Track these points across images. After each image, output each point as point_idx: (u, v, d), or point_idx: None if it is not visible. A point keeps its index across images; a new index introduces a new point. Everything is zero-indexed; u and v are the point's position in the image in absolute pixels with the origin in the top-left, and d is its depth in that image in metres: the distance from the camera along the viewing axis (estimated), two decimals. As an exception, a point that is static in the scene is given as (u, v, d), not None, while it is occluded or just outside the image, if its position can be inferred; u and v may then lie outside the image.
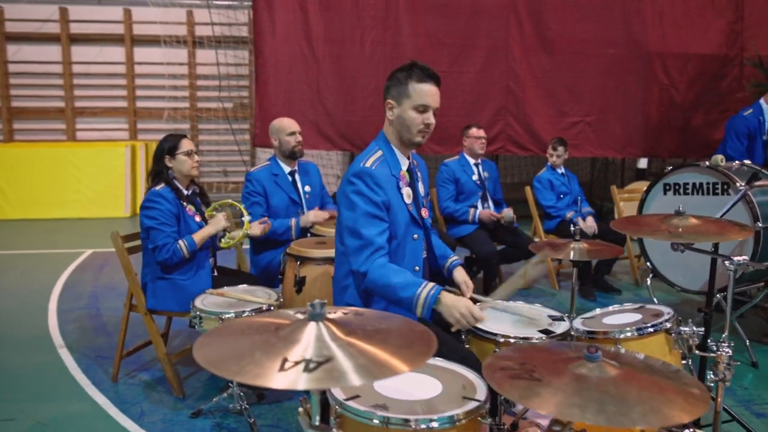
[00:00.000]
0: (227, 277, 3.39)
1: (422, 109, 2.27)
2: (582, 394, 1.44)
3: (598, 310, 2.35)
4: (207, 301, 2.89)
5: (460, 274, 2.51)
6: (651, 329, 2.04)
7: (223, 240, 3.32)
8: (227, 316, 2.72)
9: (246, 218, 3.34)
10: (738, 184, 3.29)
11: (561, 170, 5.45)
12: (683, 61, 7.26)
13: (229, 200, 3.45)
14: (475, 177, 5.03)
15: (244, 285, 3.11)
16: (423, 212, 2.44)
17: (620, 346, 2.03)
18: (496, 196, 5.17)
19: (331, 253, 3.15)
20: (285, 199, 3.82)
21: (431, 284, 2.14)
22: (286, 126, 3.87)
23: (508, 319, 2.37)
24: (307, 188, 3.96)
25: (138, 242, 3.28)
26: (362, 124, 7.02)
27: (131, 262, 3.19)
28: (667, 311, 2.17)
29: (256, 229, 3.43)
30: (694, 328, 2.07)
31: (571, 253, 2.60)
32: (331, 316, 1.33)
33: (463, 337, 2.31)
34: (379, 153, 2.32)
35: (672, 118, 7.38)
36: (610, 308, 2.35)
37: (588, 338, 2.15)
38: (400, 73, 2.29)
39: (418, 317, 2.22)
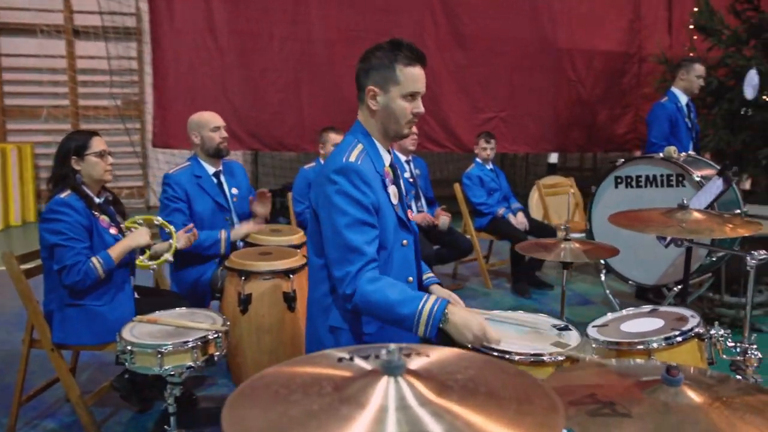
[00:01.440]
0: (152, 299, 2.86)
1: (412, 96, 1.94)
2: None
3: (609, 315, 2.12)
4: (137, 331, 2.37)
5: (440, 292, 2.19)
6: (681, 337, 1.83)
7: (142, 258, 2.77)
8: (166, 348, 2.22)
9: (173, 242, 2.82)
10: (694, 175, 3.23)
11: (489, 166, 5.30)
12: (589, 58, 7.43)
13: (157, 218, 2.90)
14: (407, 175, 4.75)
15: (180, 308, 2.61)
16: (409, 214, 2.10)
17: (654, 358, 1.80)
18: (428, 194, 4.93)
19: (279, 265, 2.74)
20: (210, 204, 3.32)
21: (434, 297, 1.81)
22: (209, 120, 3.37)
23: (513, 330, 2.09)
24: (234, 190, 3.48)
25: (38, 262, 2.68)
26: (273, 121, 6.55)
27: (30, 288, 2.59)
28: (690, 314, 1.98)
29: (182, 239, 2.92)
30: (722, 332, 1.89)
31: (562, 254, 2.37)
32: (411, 365, 0.96)
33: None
34: (360, 147, 1.94)
35: (579, 114, 7.54)
36: (624, 312, 2.13)
37: (611, 349, 1.90)
38: (382, 54, 1.93)
39: (420, 338, 1.88)
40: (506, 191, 5.33)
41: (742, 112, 5.53)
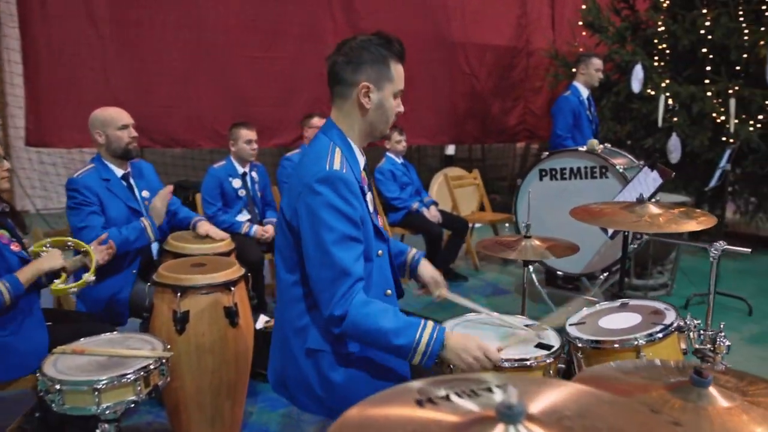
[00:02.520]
0: (67, 325, 2.49)
1: (398, 95, 1.84)
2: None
3: (585, 311, 2.11)
4: (62, 365, 2.04)
5: (426, 270, 2.11)
6: (664, 332, 1.85)
7: (57, 282, 2.39)
8: (103, 383, 1.93)
9: (91, 259, 2.47)
10: (617, 167, 3.36)
11: (400, 160, 5.25)
12: (482, 51, 7.59)
13: (69, 239, 2.52)
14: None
15: (108, 334, 2.28)
16: (380, 220, 1.95)
17: (644, 354, 1.80)
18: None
19: (218, 278, 2.49)
20: (123, 209, 2.97)
21: (430, 324, 1.67)
22: (116, 117, 3.01)
23: (492, 334, 2.02)
24: (145, 193, 3.14)
25: None
26: (163, 116, 6.05)
27: None
28: (663, 307, 2.02)
29: (100, 252, 2.57)
30: (696, 322, 1.93)
31: (524, 252, 2.34)
32: (532, 409, 0.83)
33: (451, 366, 1.89)
34: (339, 151, 1.76)
35: (474, 106, 7.70)
36: (597, 308, 2.13)
37: (593, 348, 1.89)
38: (375, 49, 1.77)
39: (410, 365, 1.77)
40: (418, 185, 5.32)
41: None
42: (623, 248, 2.75)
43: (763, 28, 5.17)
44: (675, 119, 5.56)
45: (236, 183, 4.14)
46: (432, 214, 5.02)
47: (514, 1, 7.80)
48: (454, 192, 5.70)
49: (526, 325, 2.09)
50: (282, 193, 4.28)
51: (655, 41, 5.77)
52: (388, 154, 5.24)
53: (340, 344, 1.75)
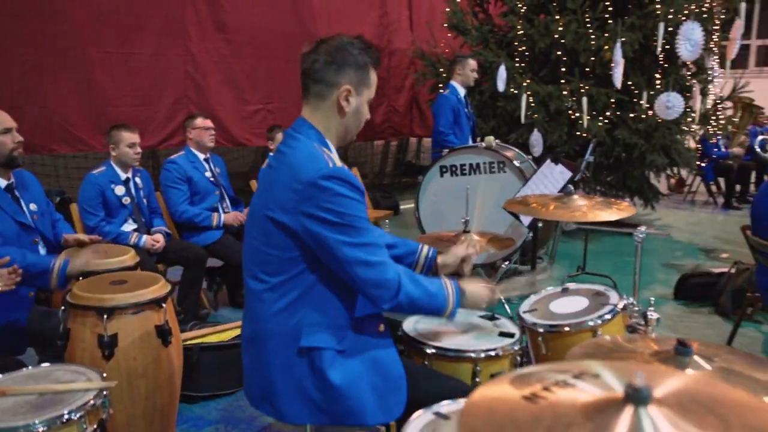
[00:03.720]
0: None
1: (370, 102, 1.83)
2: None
3: (533, 298, 2.23)
4: (-16, 411, 1.75)
5: (448, 256, 2.12)
6: (612, 313, 2.02)
7: None
8: (42, 427, 1.68)
9: None
10: (515, 162, 3.57)
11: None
12: (347, 50, 7.66)
13: None
14: (208, 174, 4.34)
15: (27, 369, 1.99)
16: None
17: (600, 333, 1.95)
18: (229, 194, 4.58)
19: (147, 294, 2.28)
20: (11, 225, 2.62)
21: (447, 280, 1.82)
22: (-7, 120, 2.63)
23: (453, 326, 2.07)
24: (33, 206, 2.79)
25: None
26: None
27: None
28: (603, 288, 2.19)
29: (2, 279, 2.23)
30: (631, 300, 2.13)
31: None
32: (659, 394, 0.87)
33: (426, 362, 1.92)
34: (328, 152, 1.73)
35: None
36: (543, 294, 2.26)
37: (551, 332, 2.01)
38: (358, 53, 1.74)
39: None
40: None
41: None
42: (533, 238, 2.94)
43: (606, 35, 5.76)
44: (535, 116, 6.03)
45: (119, 190, 3.79)
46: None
47: (375, 2, 7.97)
48: None
49: (480, 316, 2.17)
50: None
51: (515, 44, 6.20)
52: (271, 155, 5.10)
53: (337, 339, 1.70)
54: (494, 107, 6.37)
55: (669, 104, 5.57)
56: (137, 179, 3.94)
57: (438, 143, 4.99)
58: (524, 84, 6.00)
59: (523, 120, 5.99)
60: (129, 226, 3.82)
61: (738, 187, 8.75)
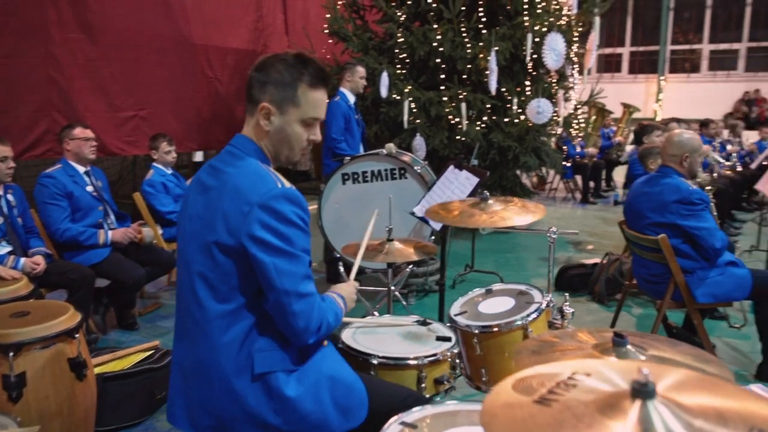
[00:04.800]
0: None
1: (311, 122, 1.74)
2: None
3: (460, 300, 2.31)
4: None
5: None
6: (539, 312, 2.16)
7: None
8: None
9: None
10: (416, 168, 3.68)
11: (170, 170, 4.91)
12: (223, 54, 7.43)
13: None
14: (89, 188, 4.04)
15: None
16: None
17: (531, 330, 2.08)
18: (114, 209, 4.28)
19: (57, 326, 2.10)
20: None
21: (333, 295, 1.86)
22: None
23: (395, 335, 2.11)
24: None
25: None
26: None
27: None
28: (525, 287, 2.33)
29: None
30: (549, 297, 2.29)
31: (391, 255, 2.46)
32: (662, 389, 0.95)
33: (372, 372, 1.94)
34: (273, 170, 1.69)
35: (219, 110, 7.51)
36: (470, 296, 2.35)
37: (485, 332, 2.11)
38: (285, 69, 1.68)
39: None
40: (192, 196, 5.02)
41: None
42: (442, 242, 3.05)
43: (481, 44, 6.09)
44: (417, 121, 6.23)
45: (-10, 209, 3.42)
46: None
47: (251, 5, 7.80)
48: None
49: (415, 322, 2.23)
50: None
51: (396, 51, 6.36)
52: (155, 165, 4.84)
53: (288, 360, 1.67)
54: (377, 113, 6.49)
55: (539, 109, 6.01)
56: (9, 196, 3.58)
57: (329, 150, 5.01)
58: (406, 90, 6.18)
59: (405, 125, 6.17)
60: (3, 249, 3.46)
61: (592, 184, 9.60)
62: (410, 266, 3.84)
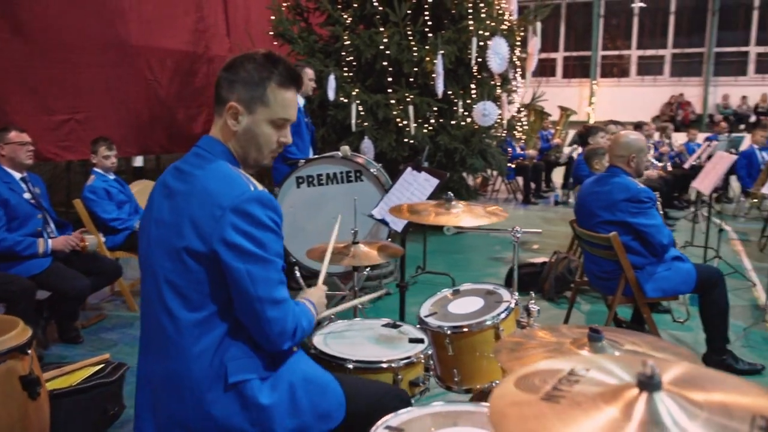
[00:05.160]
0: None
1: (281, 123, 1.69)
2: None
3: (429, 301, 2.31)
4: None
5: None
6: (508, 310, 2.18)
7: None
8: None
9: None
10: (372, 170, 3.66)
11: (112, 176, 4.71)
12: (162, 56, 7.22)
13: None
14: (27, 195, 3.82)
15: None
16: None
17: (503, 329, 2.09)
18: (53, 216, 4.07)
19: (7, 342, 1.96)
20: None
21: (304, 301, 1.81)
22: None
23: (366, 340, 2.08)
24: None
25: None
26: None
27: None
28: (493, 286, 2.34)
29: None
30: (517, 297, 2.32)
31: (357, 258, 2.43)
32: (667, 381, 0.97)
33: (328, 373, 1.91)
34: (243, 173, 1.63)
35: (160, 114, 7.29)
36: (438, 296, 2.35)
37: (456, 333, 2.12)
38: (253, 68, 1.62)
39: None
40: (135, 202, 4.84)
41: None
42: (402, 242, 3.05)
43: (427, 47, 6.15)
44: (365, 124, 6.22)
45: None
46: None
47: (191, 6, 7.61)
48: None
49: (383, 325, 2.21)
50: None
51: (343, 54, 6.34)
52: (95, 170, 4.64)
53: (261, 367, 1.62)
54: (324, 116, 6.44)
55: (485, 112, 6.12)
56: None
57: (279, 154, 4.93)
58: (353, 93, 6.16)
59: (353, 128, 6.15)
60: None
61: (533, 185, 9.85)
62: (366, 269, 3.82)
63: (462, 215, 2.42)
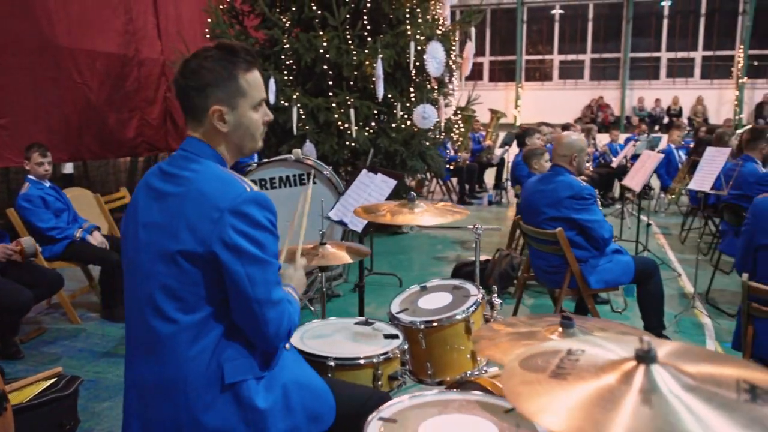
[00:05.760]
0: None
1: (260, 104, 1.70)
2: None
3: (398, 298, 2.37)
4: None
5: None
6: (476, 304, 2.27)
7: None
8: None
9: None
10: (325, 172, 3.69)
11: (47, 183, 4.52)
12: (92, 59, 6.97)
13: None
14: (-42, 205, 3.63)
15: None
16: None
17: (473, 322, 2.18)
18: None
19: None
20: None
21: (288, 288, 1.79)
22: None
23: (342, 338, 2.13)
24: None
25: None
26: None
27: None
28: (459, 282, 2.43)
29: None
30: (483, 292, 2.42)
31: (325, 258, 2.46)
32: (663, 355, 1.07)
33: (329, 375, 1.94)
34: (236, 174, 1.64)
35: (90, 118, 7.03)
36: (406, 293, 2.41)
37: (429, 327, 2.19)
38: (216, 65, 1.60)
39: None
40: (74, 210, 4.66)
41: None
42: (370, 244, 3.10)
43: (367, 51, 6.22)
44: (307, 127, 6.23)
45: None
46: (98, 240, 4.50)
47: (119, 7, 7.38)
48: (108, 215, 5.17)
49: (356, 323, 2.26)
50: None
51: (282, 57, 6.32)
52: (30, 177, 4.44)
53: (257, 367, 1.63)
54: (266, 119, 6.39)
55: (425, 115, 6.25)
56: None
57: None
58: (294, 96, 6.16)
59: (295, 131, 6.15)
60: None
61: (467, 186, 10.12)
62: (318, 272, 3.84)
63: (424, 214, 2.50)
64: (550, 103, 17.11)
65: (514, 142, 10.48)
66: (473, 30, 6.75)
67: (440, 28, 6.86)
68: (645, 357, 1.06)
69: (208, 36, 6.53)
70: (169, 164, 1.67)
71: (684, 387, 1.03)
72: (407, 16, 6.37)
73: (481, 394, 1.70)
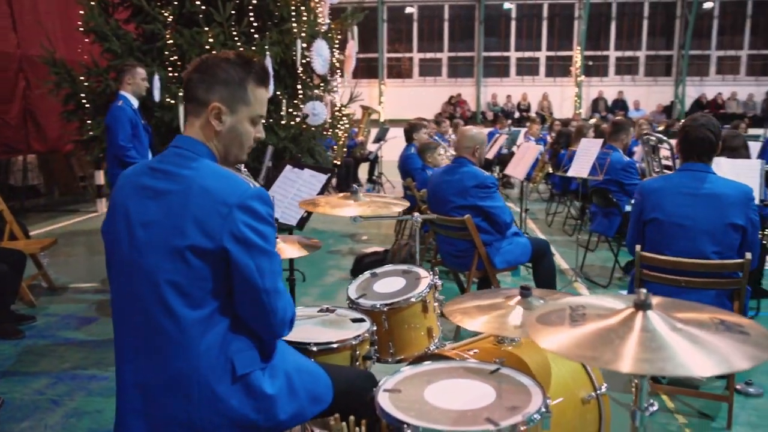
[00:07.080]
0: None
1: (257, 120, 1.77)
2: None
3: (353, 285, 2.51)
4: None
5: None
6: (430, 286, 2.48)
7: None
8: None
9: None
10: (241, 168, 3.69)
11: None
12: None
13: None
14: None
15: None
16: None
17: (429, 301, 2.39)
18: None
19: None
20: None
21: None
22: None
23: (312, 325, 2.25)
24: None
25: None
26: None
27: None
28: (407, 267, 2.62)
29: None
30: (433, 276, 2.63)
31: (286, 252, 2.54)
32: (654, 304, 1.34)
33: (312, 360, 2.05)
34: (235, 171, 1.69)
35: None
36: (359, 280, 2.55)
37: (391, 309, 2.37)
38: (231, 69, 1.68)
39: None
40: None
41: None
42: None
43: (254, 48, 6.19)
44: (195, 125, 6.07)
45: None
46: None
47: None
48: (14, 224, 4.76)
49: (319, 311, 2.38)
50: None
51: (166, 53, 6.11)
52: None
53: (265, 357, 1.71)
54: (149, 117, 6.14)
55: (315, 111, 6.39)
56: None
57: (117, 158, 4.69)
58: (180, 94, 5.98)
59: (182, 130, 5.97)
60: None
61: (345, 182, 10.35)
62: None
63: (367, 205, 2.65)
64: (411, 100, 17.82)
65: (387, 137, 10.92)
66: (355, 28, 6.96)
67: (322, 26, 6.99)
68: (642, 305, 1.33)
69: (81, 29, 6.14)
70: (161, 162, 1.70)
71: (674, 325, 1.30)
72: (293, 13, 6.42)
73: (460, 361, 1.92)
